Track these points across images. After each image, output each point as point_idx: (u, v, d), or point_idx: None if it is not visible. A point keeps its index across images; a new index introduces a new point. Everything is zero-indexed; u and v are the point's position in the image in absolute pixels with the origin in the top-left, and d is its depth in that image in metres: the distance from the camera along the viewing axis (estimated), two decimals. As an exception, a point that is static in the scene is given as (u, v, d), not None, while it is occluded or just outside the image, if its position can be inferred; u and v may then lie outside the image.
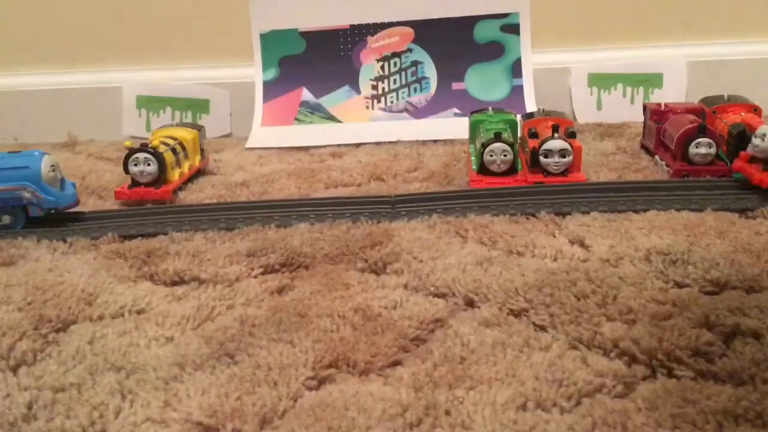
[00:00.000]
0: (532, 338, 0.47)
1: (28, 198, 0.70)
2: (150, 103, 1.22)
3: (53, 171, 0.72)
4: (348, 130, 1.13)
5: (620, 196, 0.71)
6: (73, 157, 1.08)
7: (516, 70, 1.15)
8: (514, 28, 1.15)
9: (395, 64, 1.17)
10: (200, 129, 0.96)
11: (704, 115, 0.88)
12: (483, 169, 0.80)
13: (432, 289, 0.54)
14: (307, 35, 1.18)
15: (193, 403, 0.41)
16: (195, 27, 1.21)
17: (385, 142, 1.07)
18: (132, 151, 0.82)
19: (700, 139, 0.79)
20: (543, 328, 0.48)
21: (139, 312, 0.54)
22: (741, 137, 0.79)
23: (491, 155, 0.79)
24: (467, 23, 1.15)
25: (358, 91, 1.18)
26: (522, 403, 0.40)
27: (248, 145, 1.12)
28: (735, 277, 0.53)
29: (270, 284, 0.57)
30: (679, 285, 0.53)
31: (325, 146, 1.07)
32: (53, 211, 0.72)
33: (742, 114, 0.85)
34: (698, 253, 0.57)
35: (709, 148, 0.79)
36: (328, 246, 0.63)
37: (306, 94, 1.18)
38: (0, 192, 0.70)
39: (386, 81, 1.17)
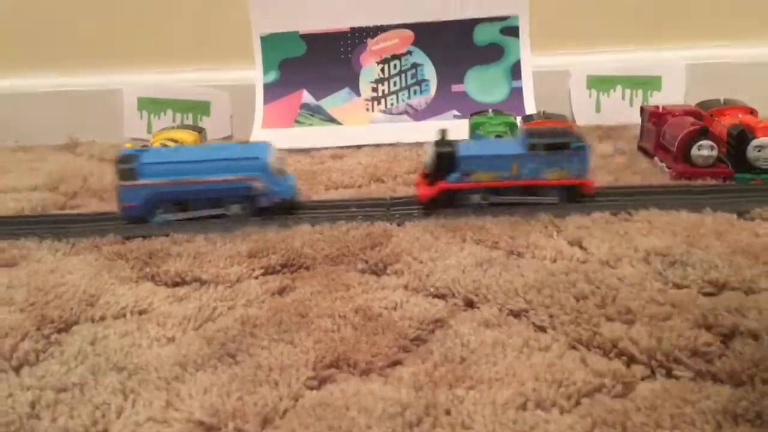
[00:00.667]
0: (532, 339, 0.47)
1: (259, 189, 0.70)
2: (151, 105, 1.22)
3: (281, 162, 0.73)
4: (348, 133, 1.13)
5: (619, 200, 0.72)
6: (74, 159, 1.08)
7: (515, 72, 1.16)
8: (513, 31, 1.15)
9: (395, 66, 1.18)
10: (201, 131, 0.96)
11: (702, 118, 0.88)
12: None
13: (432, 289, 0.55)
14: (307, 38, 1.18)
15: (195, 403, 0.41)
16: (195, 29, 1.22)
17: (385, 144, 1.07)
18: (133, 153, 0.82)
19: (702, 141, 0.79)
20: (543, 329, 0.48)
21: (140, 312, 0.54)
22: (741, 137, 0.79)
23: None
24: (467, 26, 1.16)
25: (359, 94, 1.18)
26: (522, 403, 0.40)
27: (249, 147, 1.12)
28: (734, 278, 0.53)
29: (271, 285, 0.57)
30: (678, 286, 0.53)
31: (325, 148, 1.07)
32: (279, 201, 0.72)
33: (740, 116, 0.86)
34: (697, 254, 0.57)
35: (711, 150, 0.79)
36: (328, 247, 0.63)
37: (306, 97, 1.19)
38: (231, 182, 0.70)
39: (386, 83, 1.18)
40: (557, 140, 0.70)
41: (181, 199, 0.72)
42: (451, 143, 0.71)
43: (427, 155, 0.72)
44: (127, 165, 0.71)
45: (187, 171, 0.71)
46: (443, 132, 0.73)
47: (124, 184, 0.71)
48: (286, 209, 0.72)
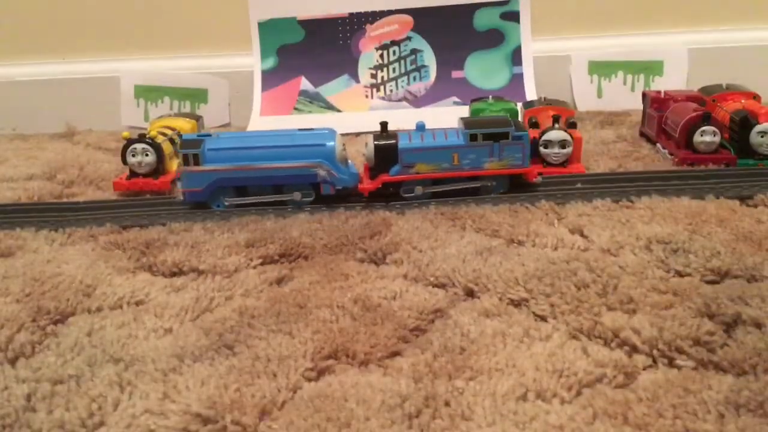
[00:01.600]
0: (533, 328, 0.46)
1: (323, 176, 0.70)
2: (148, 93, 1.21)
3: (344, 150, 0.72)
4: (347, 120, 1.12)
5: (620, 187, 0.71)
6: (72, 147, 1.07)
7: (516, 57, 1.15)
8: (513, 16, 1.14)
9: (394, 52, 1.17)
10: (198, 119, 0.96)
11: (704, 104, 0.87)
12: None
13: (432, 279, 0.54)
14: (305, 23, 1.17)
15: (192, 395, 0.41)
16: (193, 16, 1.20)
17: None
18: (130, 142, 0.82)
19: (704, 127, 0.79)
20: (543, 318, 0.48)
21: (137, 303, 0.54)
22: (744, 123, 0.78)
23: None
24: (467, 11, 1.15)
25: (357, 80, 1.17)
26: (522, 394, 0.40)
27: (247, 134, 1.11)
28: (736, 265, 0.53)
29: (269, 275, 0.56)
30: (680, 274, 0.53)
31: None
32: (343, 189, 0.71)
33: (743, 101, 0.85)
34: (699, 241, 0.57)
35: (714, 136, 0.79)
36: (327, 236, 0.63)
37: (305, 83, 1.18)
38: (296, 169, 0.70)
39: (385, 69, 1.17)
40: (496, 130, 0.70)
41: (245, 185, 0.71)
42: (391, 136, 0.71)
43: (368, 149, 0.71)
44: (192, 150, 0.71)
45: (252, 157, 0.70)
46: (384, 125, 0.72)
47: (189, 169, 0.71)
48: (344, 198, 0.72)
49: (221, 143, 0.72)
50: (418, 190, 0.71)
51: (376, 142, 0.71)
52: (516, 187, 0.72)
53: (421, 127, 0.73)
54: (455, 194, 0.71)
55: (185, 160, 0.71)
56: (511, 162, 0.70)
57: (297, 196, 0.71)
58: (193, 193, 0.72)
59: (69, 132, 1.18)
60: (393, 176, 0.71)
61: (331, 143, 0.71)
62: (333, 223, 0.66)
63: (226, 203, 0.72)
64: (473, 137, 0.70)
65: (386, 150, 0.71)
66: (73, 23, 1.23)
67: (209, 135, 0.74)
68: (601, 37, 1.16)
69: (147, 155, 0.81)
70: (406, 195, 0.71)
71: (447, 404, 0.39)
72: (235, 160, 0.71)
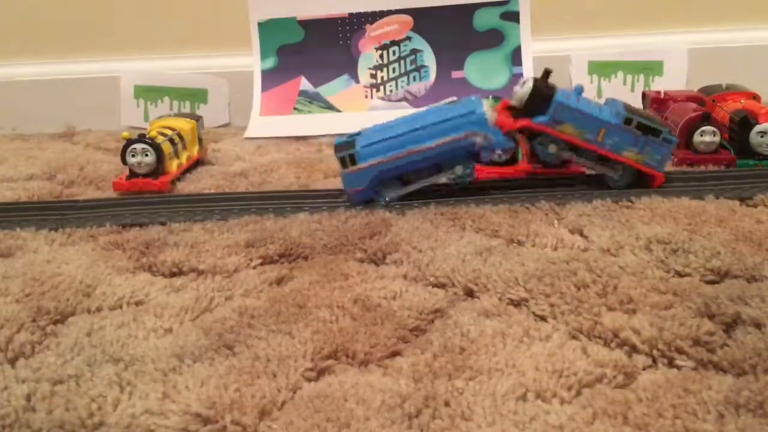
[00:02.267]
0: (532, 328, 0.46)
1: (481, 143, 0.68)
2: (148, 93, 1.21)
3: (494, 112, 0.70)
4: (347, 120, 1.12)
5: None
6: (71, 147, 1.07)
7: (516, 58, 1.14)
8: (513, 16, 1.14)
9: (394, 52, 1.17)
10: (198, 119, 0.96)
11: (704, 104, 0.87)
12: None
13: (431, 279, 0.54)
14: (305, 24, 1.17)
15: (192, 395, 0.41)
16: (192, 16, 1.21)
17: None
18: (129, 142, 0.82)
19: (704, 128, 0.79)
20: (543, 318, 0.48)
21: (137, 303, 0.53)
22: (743, 123, 0.78)
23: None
24: (466, 11, 1.15)
25: (357, 80, 1.17)
26: (522, 394, 0.40)
27: (247, 134, 1.11)
28: (736, 265, 0.53)
29: (269, 275, 0.56)
30: (679, 274, 0.53)
31: (323, 136, 1.07)
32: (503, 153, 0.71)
33: (742, 101, 0.85)
34: (699, 241, 0.57)
35: (714, 136, 0.79)
36: (326, 236, 0.63)
37: (305, 83, 1.18)
38: (451, 143, 0.68)
39: (385, 70, 1.17)
40: (652, 124, 0.69)
41: (405, 171, 0.70)
42: (551, 87, 0.69)
43: (524, 89, 0.69)
44: (347, 152, 0.70)
45: (404, 143, 0.69)
46: (547, 72, 0.69)
47: (347, 170, 0.71)
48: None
49: (372, 138, 0.71)
50: (552, 148, 0.70)
51: (535, 84, 0.69)
52: (638, 185, 0.71)
53: (579, 91, 0.70)
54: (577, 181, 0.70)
55: (343, 163, 0.71)
56: (648, 159, 0.69)
57: (459, 170, 0.70)
58: (358, 193, 0.71)
59: (69, 132, 1.18)
60: (537, 124, 0.69)
61: (481, 109, 0.69)
62: (333, 223, 0.66)
63: (387, 198, 0.71)
64: (628, 121, 0.68)
65: (542, 95, 0.68)
66: (73, 23, 1.23)
67: (359, 133, 0.73)
68: (601, 37, 1.16)
69: (147, 155, 0.81)
70: (539, 151, 0.70)
71: (447, 404, 0.39)
72: (389, 150, 0.69)
